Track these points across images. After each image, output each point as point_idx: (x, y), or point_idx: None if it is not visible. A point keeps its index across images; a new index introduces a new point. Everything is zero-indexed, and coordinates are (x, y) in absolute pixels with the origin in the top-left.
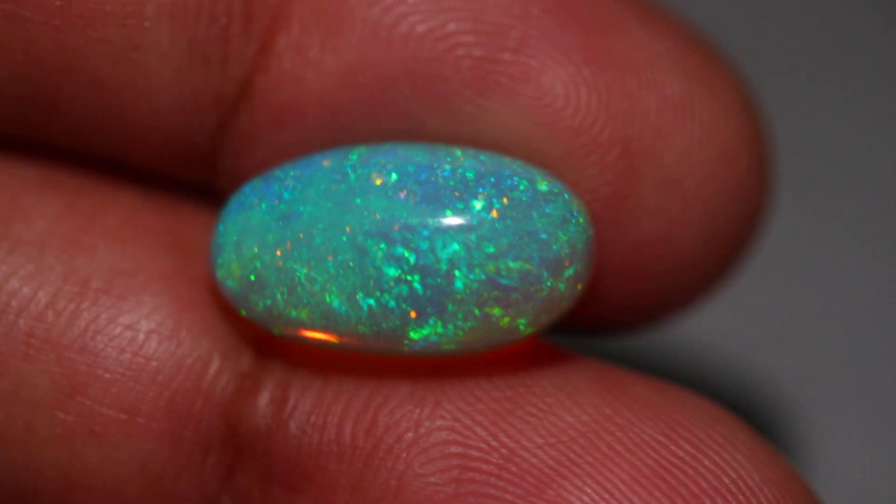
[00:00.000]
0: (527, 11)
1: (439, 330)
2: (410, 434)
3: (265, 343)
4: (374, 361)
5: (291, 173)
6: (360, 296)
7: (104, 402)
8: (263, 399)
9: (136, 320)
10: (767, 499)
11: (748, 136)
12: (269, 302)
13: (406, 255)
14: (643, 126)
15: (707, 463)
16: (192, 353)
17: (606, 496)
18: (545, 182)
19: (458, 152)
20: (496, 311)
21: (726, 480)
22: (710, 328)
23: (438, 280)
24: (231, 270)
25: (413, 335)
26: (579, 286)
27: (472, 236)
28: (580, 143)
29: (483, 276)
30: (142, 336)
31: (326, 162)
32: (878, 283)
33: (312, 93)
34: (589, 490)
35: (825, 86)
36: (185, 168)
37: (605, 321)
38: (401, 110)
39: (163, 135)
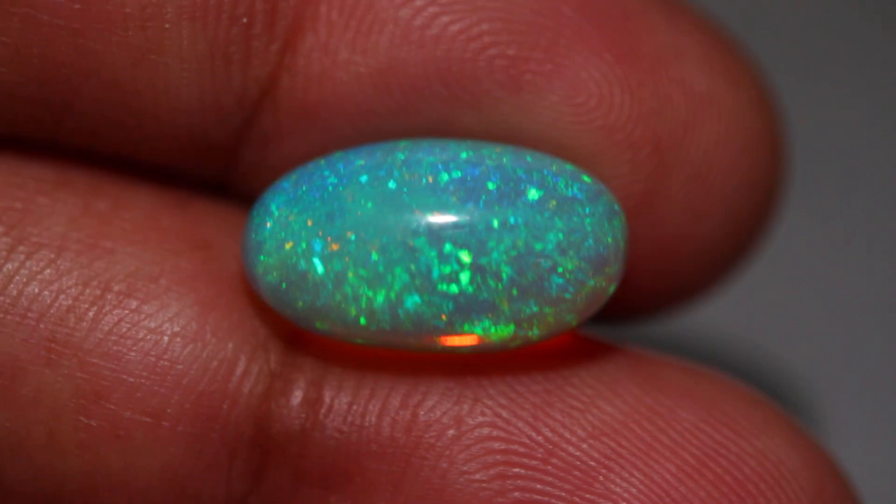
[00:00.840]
0: (558, 10)
1: (488, 329)
2: (452, 431)
3: (295, 342)
4: (408, 358)
5: (334, 168)
6: (407, 295)
7: (129, 407)
8: (296, 398)
9: (160, 323)
10: (808, 481)
11: (769, 129)
12: (311, 299)
13: (454, 253)
14: (672, 122)
15: (749, 448)
16: (217, 354)
17: (655, 487)
18: (589, 180)
19: (503, 149)
20: (546, 309)
21: (768, 465)
22: (721, 316)
23: (487, 278)
24: (271, 267)
25: (461, 334)
26: (617, 281)
27: (522, 234)
28: (613, 141)
29: (531, 274)
30: (166, 339)
31: (371, 158)
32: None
33: (342, 94)
34: (636, 482)
35: (835, 78)
36: (203, 166)
37: (629, 311)
38: (433, 111)
39: (182, 135)
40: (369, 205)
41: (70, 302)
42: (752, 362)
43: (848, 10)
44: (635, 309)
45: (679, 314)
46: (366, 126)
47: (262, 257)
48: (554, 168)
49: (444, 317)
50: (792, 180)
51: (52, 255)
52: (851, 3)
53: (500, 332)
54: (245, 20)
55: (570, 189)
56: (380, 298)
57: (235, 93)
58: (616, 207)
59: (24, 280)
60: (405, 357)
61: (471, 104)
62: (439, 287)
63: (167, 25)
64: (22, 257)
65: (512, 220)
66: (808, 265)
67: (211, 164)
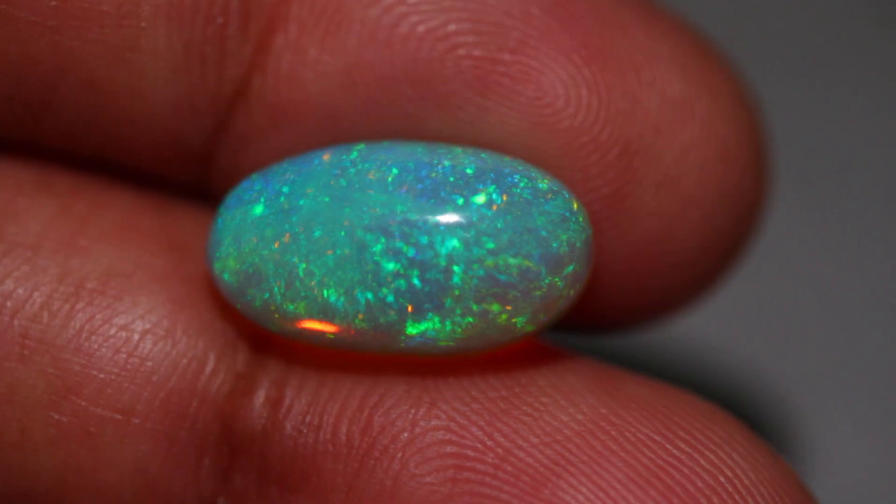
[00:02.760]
0: (527, 11)
1: (437, 325)
2: (406, 434)
3: (261, 342)
4: (370, 360)
5: (291, 168)
6: (358, 290)
7: (99, 403)
8: (259, 399)
9: (131, 321)
10: (764, 498)
11: (747, 136)
12: (266, 296)
13: (405, 249)
14: (643, 126)
15: (703, 462)
16: (187, 353)
17: (602, 495)
18: (545, 180)
19: (459, 150)
20: (494, 308)
21: (722, 480)
22: (707, 327)
23: (437, 275)
24: (229, 264)
25: (410, 330)
26: (578, 285)
27: (472, 232)
28: (580, 142)
29: (482, 272)
30: (137, 336)
31: (326, 157)
32: (876, 283)
33: (310, 93)
34: (584, 489)
35: (823, 85)
36: (180, 169)
37: (603, 320)
38: (400, 111)
39: (158, 135)
40: (323, 200)
41: (44, 299)
42: (731, 373)
43: (840, 9)
44: (609, 319)
45: (658, 325)
46: (335, 127)
47: (218, 255)
48: (510, 167)
49: (394, 313)
50: (778, 188)
51: (29, 254)
52: (842, 4)
53: (450, 330)
54: (220, 20)
55: (525, 189)
56: (331, 296)
57: (210, 92)
58: (573, 208)
59: (0, 277)
60: (368, 359)
61: (438, 104)
62: (389, 283)
63: (143, 24)
64: None
65: (464, 218)
66: (796, 272)
67: (188, 167)
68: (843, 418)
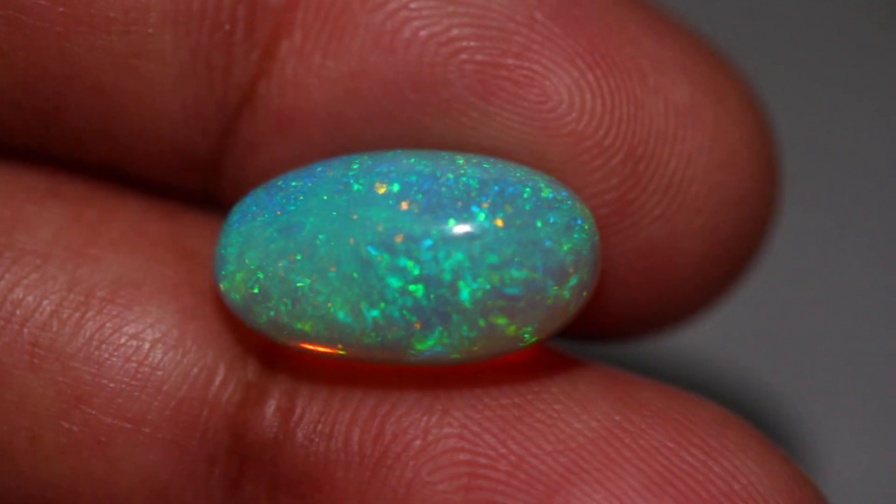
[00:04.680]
0: (530, 16)
1: (445, 340)
2: (418, 442)
3: (271, 352)
4: (381, 370)
5: (293, 184)
6: (364, 307)
7: (109, 412)
8: (270, 408)
9: (142, 330)
10: (780, 503)
11: (754, 143)
12: (272, 314)
13: (410, 265)
14: (648, 131)
15: (717, 469)
16: (197, 362)
17: (616, 502)
18: (549, 189)
19: (461, 160)
20: (502, 321)
21: (737, 487)
22: (715, 335)
23: (443, 290)
24: (235, 282)
25: (419, 346)
26: (584, 293)
27: (476, 246)
28: (584, 147)
29: (488, 286)
30: (147, 345)
31: (329, 172)
32: (883, 291)
33: (315, 99)
34: (598, 497)
35: (830, 90)
36: (188, 175)
37: (609, 327)
38: (404, 116)
39: (165, 142)
40: (326, 218)
41: (54, 307)
42: (739, 380)
43: (845, 12)
44: (615, 326)
45: (667, 334)
46: (340, 133)
47: (224, 272)
48: (515, 177)
49: (401, 329)
50: (787, 195)
51: (39, 262)
52: (847, 5)
53: (458, 343)
54: (227, 26)
55: (529, 199)
56: (339, 312)
57: (216, 99)
58: (578, 218)
59: (9, 285)
60: (378, 369)
61: (441, 110)
62: (396, 300)
63: (150, 30)
64: (8, 263)
65: (468, 232)
66: (803, 280)
67: (195, 174)
68: (850, 425)
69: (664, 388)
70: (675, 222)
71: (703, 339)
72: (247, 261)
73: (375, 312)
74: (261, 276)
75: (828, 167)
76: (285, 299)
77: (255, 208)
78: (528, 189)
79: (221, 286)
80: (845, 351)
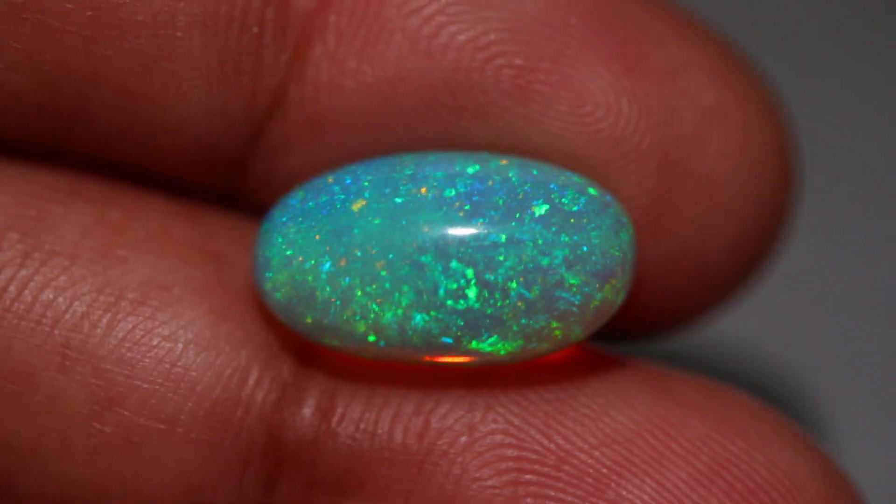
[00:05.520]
0: (566, 21)
1: (495, 344)
2: (464, 438)
3: (306, 352)
4: (421, 368)
5: (339, 185)
6: (414, 311)
7: (142, 413)
8: (309, 408)
9: (174, 331)
10: (819, 491)
11: (777, 144)
12: (318, 315)
13: (460, 269)
14: (680, 134)
15: (759, 459)
16: (230, 363)
17: (666, 494)
18: (595, 191)
19: (507, 163)
20: (552, 324)
21: (779, 475)
22: (734, 329)
23: (494, 294)
24: (280, 283)
25: (467, 348)
26: (624, 293)
27: (527, 249)
28: (621, 151)
29: (538, 289)
30: (180, 347)
31: (377, 173)
32: None
33: (349, 103)
34: (648, 489)
35: (844, 88)
36: (214, 176)
37: (637, 326)
38: (440, 120)
39: (192, 144)
40: (376, 221)
41: (84, 308)
42: (764, 373)
43: (859, 14)
44: (644, 325)
45: (690, 329)
46: (374, 136)
47: (269, 274)
48: (560, 181)
49: (451, 333)
50: (803, 192)
51: (67, 263)
52: (861, 7)
53: (508, 347)
54: (256, 30)
55: (576, 202)
56: (388, 315)
57: (245, 102)
58: (623, 219)
59: (39, 286)
60: (418, 368)
61: (477, 114)
62: (446, 303)
63: (179, 34)
64: (37, 264)
65: (518, 236)
66: (820, 275)
67: (221, 175)
68: (872, 415)
69: (699, 382)
70: (706, 223)
71: (717, 332)
72: (293, 262)
73: (426, 316)
74: (309, 278)
75: (842, 165)
76: (333, 300)
77: (299, 209)
78: (575, 192)
79: (265, 287)
80: (866, 343)
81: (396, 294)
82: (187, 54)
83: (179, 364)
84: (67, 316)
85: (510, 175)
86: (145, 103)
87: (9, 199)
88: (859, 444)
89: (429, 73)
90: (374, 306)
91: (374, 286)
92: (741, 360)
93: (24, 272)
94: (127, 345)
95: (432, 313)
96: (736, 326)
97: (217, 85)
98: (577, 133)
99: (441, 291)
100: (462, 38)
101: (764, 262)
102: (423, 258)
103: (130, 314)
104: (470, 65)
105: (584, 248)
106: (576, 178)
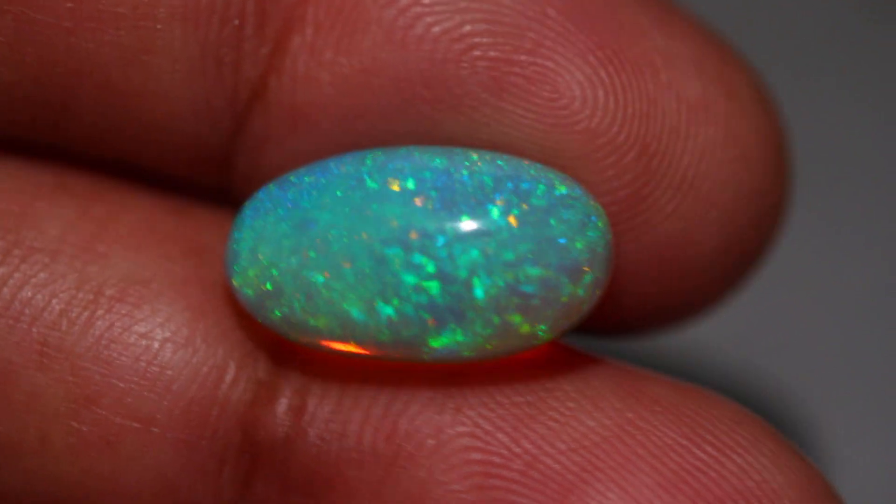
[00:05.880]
0: (543, 13)
1: (459, 338)
2: (432, 441)
3: (282, 350)
4: (393, 368)
5: (307, 179)
6: (378, 304)
7: (119, 412)
8: (281, 406)
9: (151, 329)
10: (792, 501)
11: (766, 138)
12: (286, 310)
13: (424, 262)
14: (661, 127)
15: (731, 466)
16: (207, 361)
17: (630, 501)
18: (563, 186)
19: (476, 157)
20: (516, 319)
21: (750, 483)
22: (724, 330)
23: (457, 287)
24: (247, 278)
25: (433, 343)
26: (598, 290)
27: (491, 243)
28: (597, 144)
29: (502, 283)
30: (157, 345)
31: (342, 167)
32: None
33: (327, 95)
34: (612, 495)
35: (839, 85)
36: (199, 171)
37: (622, 323)
38: (416, 112)
39: (176, 137)
40: (340, 214)
41: (63, 306)
42: (753, 377)
43: (856, 13)
44: (627, 323)
45: (678, 329)
46: (352, 129)
47: (237, 268)
48: (529, 174)
49: (415, 326)
50: (798, 189)
51: (47, 259)
52: (858, 7)
53: (473, 341)
54: (237, 22)
55: (544, 197)
56: (352, 309)
57: (227, 95)
58: (593, 215)
59: (18, 284)
60: (390, 367)
61: (454, 106)
62: (410, 297)
63: (159, 26)
64: (16, 261)
65: (482, 229)
66: (814, 276)
67: (206, 170)
68: (861, 421)
69: (676, 384)
70: (688, 217)
71: (711, 335)
72: (260, 256)
73: (389, 309)
74: (274, 272)
75: (836, 161)
76: (298, 295)
77: (268, 203)
78: (542, 186)
79: (234, 282)
80: (855, 347)
81: (360, 287)
82: (168, 47)
83: (156, 362)
84: (46, 313)
85: (476, 168)
86: (128, 97)
87: None
88: (848, 450)
89: (404, 65)
90: (339, 300)
91: (338, 280)
92: (729, 364)
93: (3, 269)
94: (104, 342)
95: (396, 307)
96: (724, 328)
97: (198, 77)
98: (553, 126)
99: (404, 285)
100: (437, 29)
101: (753, 262)
102: (386, 251)
103: (108, 311)
104: (445, 56)
105: (549, 243)
106: (544, 172)
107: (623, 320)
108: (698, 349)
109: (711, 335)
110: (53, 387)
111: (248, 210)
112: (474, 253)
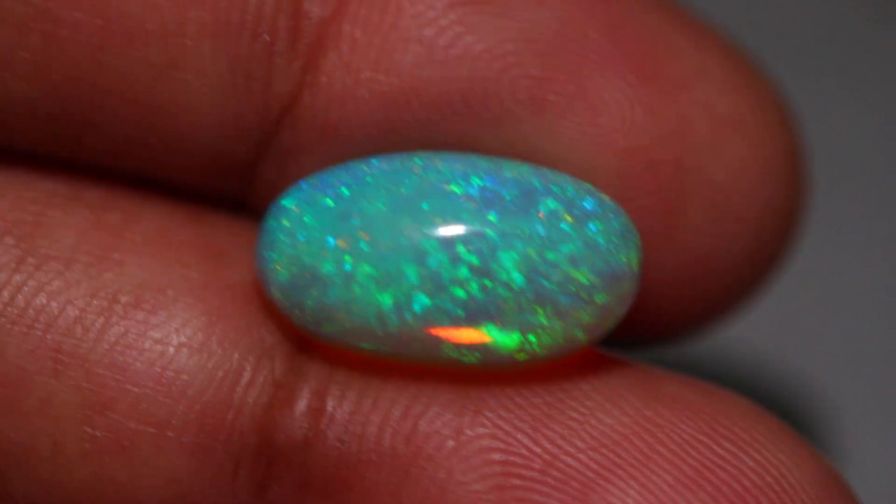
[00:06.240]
0: (582, 31)
1: (495, 336)
2: (451, 442)
3: (299, 352)
4: (412, 369)
5: (349, 171)
6: (415, 297)
7: (134, 418)
8: (300, 408)
9: (166, 334)
10: (810, 496)
11: (790, 151)
12: (321, 298)
13: (466, 258)
14: (694, 144)
15: (749, 462)
16: (222, 365)
17: (651, 498)
18: (605, 198)
19: (521, 164)
20: (553, 321)
21: (769, 479)
22: (742, 335)
23: (497, 286)
24: (283, 264)
25: (468, 340)
26: (629, 302)
27: (534, 244)
28: (634, 162)
29: (542, 285)
30: (172, 350)
31: (387, 163)
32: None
33: (363, 112)
34: (633, 492)
35: (838, 85)
36: (223, 182)
37: (645, 334)
38: (454, 130)
39: (203, 152)
40: (383, 207)
41: (77, 313)
42: (773, 380)
43: (859, 14)
44: (654, 332)
45: (699, 336)
46: (385, 143)
47: (273, 254)
48: (571, 184)
49: (451, 320)
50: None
51: (61, 267)
52: (861, 7)
53: (506, 339)
54: (267, 37)
55: (586, 205)
56: (388, 299)
57: (256, 110)
58: (631, 230)
59: (32, 291)
60: (409, 369)
61: (492, 123)
62: (448, 291)
63: (188, 42)
64: (31, 269)
65: (526, 230)
66: (827, 280)
67: (230, 181)
68: (876, 420)
69: (693, 383)
70: (718, 232)
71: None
72: (299, 245)
73: (426, 302)
74: (312, 261)
75: (836, 161)
76: (337, 285)
77: (309, 193)
78: (586, 196)
79: (267, 269)
80: (868, 346)
81: (399, 278)
82: (197, 62)
83: (171, 367)
84: (60, 320)
85: (521, 172)
86: (155, 112)
87: (6, 204)
88: (868, 451)
89: (444, 83)
90: (376, 290)
91: (377, 270)
92: (749, 367)
93: (17, 277)
94: (119, 348)
95: (433, 299)
96: (745, 333)
97: (227, 92)
98: (591, 144)
99: (443, 279)
100: (478, 47)
101: (774, 269)
102: (427, 245)
103: (123, 318)
104: (486, 74)
105: (591, 250)
106: (586, 185)
107: (647, 331)
108: (713, 350)
109: (726, 336)
110: (67, 393)
111: (286, 199)
112: (515, 253)
